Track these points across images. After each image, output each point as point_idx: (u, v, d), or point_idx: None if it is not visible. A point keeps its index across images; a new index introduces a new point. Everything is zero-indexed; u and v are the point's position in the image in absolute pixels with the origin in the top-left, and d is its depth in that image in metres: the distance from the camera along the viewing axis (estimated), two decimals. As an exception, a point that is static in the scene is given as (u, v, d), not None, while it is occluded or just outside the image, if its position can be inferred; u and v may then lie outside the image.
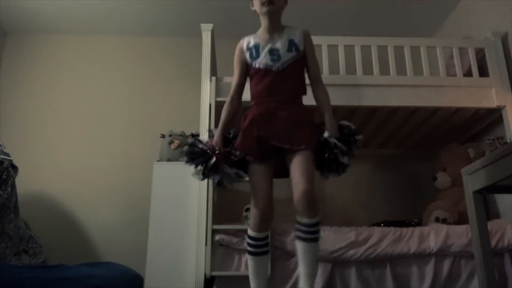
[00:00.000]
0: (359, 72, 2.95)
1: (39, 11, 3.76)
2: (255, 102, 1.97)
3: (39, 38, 4.02)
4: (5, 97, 3.82)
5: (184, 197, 2.76)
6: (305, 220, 1.77)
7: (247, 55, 2.01)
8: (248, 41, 2.04)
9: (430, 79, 2.98)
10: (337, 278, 2.56)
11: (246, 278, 2.52)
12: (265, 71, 1.94)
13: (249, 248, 1.88)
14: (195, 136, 3.15)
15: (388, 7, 3.74)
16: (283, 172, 1.91)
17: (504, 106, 2.91)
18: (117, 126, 3.83)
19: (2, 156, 2.67)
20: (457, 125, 3.28)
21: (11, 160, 2.75)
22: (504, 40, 3.09)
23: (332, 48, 2.98)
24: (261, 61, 1.96)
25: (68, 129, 3.80)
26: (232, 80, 2.08)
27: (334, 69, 2.95)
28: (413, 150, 3.80)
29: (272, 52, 1.95)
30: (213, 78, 2.92)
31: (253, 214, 1.85)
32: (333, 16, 3.83)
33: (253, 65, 1.98)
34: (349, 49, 3.00)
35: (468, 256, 2.56)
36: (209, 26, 3.03)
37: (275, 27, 2.01)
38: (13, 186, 2.77)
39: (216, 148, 1.91)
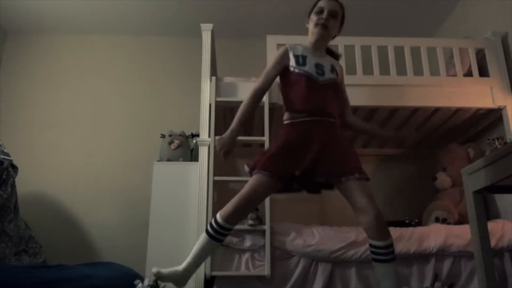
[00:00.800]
0: (359, 72, 2.96)
1: (39, 11, 3.76)
2: (293, 119, 1.97)
3: (39, 38, 4.03)
4: (5, 97, 3.82)
5: (184, 197, 2.76)
6: (381, 243, 1.80)
7: (293, 60, 2.03)
8: (296, 48, 2.07)
9: (430, 79, 2.98)
10: (337, 278, 2.57)
11: (246, 278, 2.53)
12: (309, 79, 1.98)
13: (209, 228, 1.89)
14: (195, 136, 3.17)
15: (388, 7, 3.74)
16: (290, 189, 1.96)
17: (504, 106, 2.91)
18: (117, 126, 3.83)
19: (2, 156, 2.67)
20: (457, 125, 3.28)
21: (11, 160, 2.75)
22: (504, 40, 3.09)
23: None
24: (307, 70, 2.00)
25: (68, 129, 3.80)
26: (262, 74, 2.04)
27: (334, 69, 2.94)
28: (413, 150, 3.80)
29: (317, 66, 2.02)
30: (213, 78, 2.92)
31: (233, 206, 1.85)
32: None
33: (296, 71, 2.00)
34: (349, 49, 2.99)
35: (468, 256, 2.56)
36: (209, 26, 3.03)
37: (320, 48, 2.11)
38: (13, 186, 2.76)
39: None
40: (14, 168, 2.79)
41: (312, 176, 1.88)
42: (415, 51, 3.04)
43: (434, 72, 3.04)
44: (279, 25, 3.58)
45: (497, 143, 2.56)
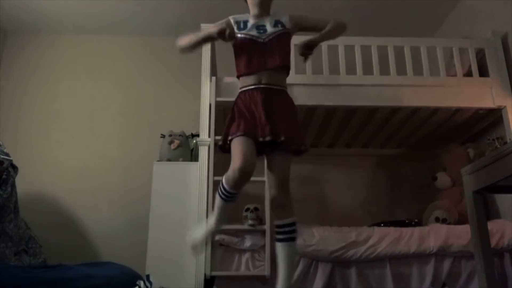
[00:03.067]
0: (359, 72, 2.96)
1: (39, 11, 3.76)
2: (243, 87, 2.02)
3: (39, 38, 4.03)
4: (5, 97, 3.82)
5: (184, 197, 2.76)
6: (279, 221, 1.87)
7: (235, 26, 2.10)
8: (237, 16, 2.15)
9: (430, 79, 2.98)
10: (337, 278, 2.57)
11: (246, 278, 2.53)
12: (251, 41, 2.04)
13: (220, 193, 1.90)
14: (195, 136, 3.17)
15: (389, 7, 3.74)
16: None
17: (504, 106, 2.91)
18: (117, 126, 3.83)
19: (2, 156, 2.66)
20: (457, 125, 3.28)
21: (11, 160, 2.75)
22: (504, 40, 3.09)
23: (332, 48, 2.98)
24: (247, 32, 2.06)
25: (68, 129, 3.80)
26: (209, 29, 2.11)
27: (334, 69, 2.95)
28: (413, 150, 3.80)
29: (258, 27, 2.07)
30: (213, 78, 2.92)
31: (233, 172, 1.82)
32: (334, 16, 3.81)
33: (239, 35, 2.07)
34: (349, 49, 2.99)
35: (468, 256, 2.56)
36: (209, 26, 3.02)
37: (265, 13, 2.13)
38: (13, 186, 2.76)
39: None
40: (14, 168, 2.79)
41: (276, 137, 1.88)
42: (415, 51, 3.03)
43: (434, 72, 3.04)
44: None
45: (497, 143, 2.56)
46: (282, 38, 2.07)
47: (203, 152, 2.78)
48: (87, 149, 3.75)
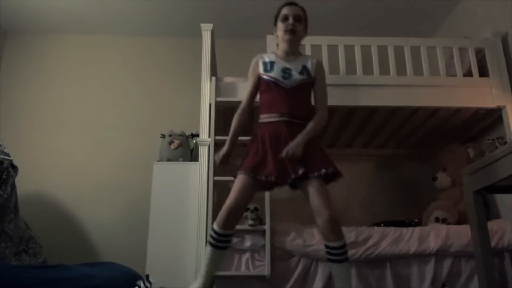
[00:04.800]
0: (359, 72, 2.96)
1: (39, 11, 3.76)
2: (266, 119, 2.06)
3: (39, 38, 4.03)
4: (5, 97, 3.82)
5: (184, 197, 2.76)
6: (334, 243, 1.86)
7: (261, 68, 2.14)
8: (264, 56, 2.18)
9: (430, 79, 2.98)
10: (337, 278, 2.56)
11: (246, 278, 2.53)
12: (275, 85, 2.07)
13: (209, 239, 1.93)
14: (195, 136, 3.17)
15: (389, 7, 3.74)
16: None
17: (504, 106, 2.91)
18: (117, 126, 3.83)
19: (2, 156, 2.66)
20: (457, 125, 3.28)
21: (11, 160, 2.75)
22: (504, 40, 3.09)
23: (332, 48, 2.98)
24: (273, 75, 2.09)
25: (68, 129, 3.80)
26: (245, 91, 2.20)
27: (334, 69, 2.95)
28: (413, 150, 3.80)
29: (284, 70, 2.09)
30: (213, 78, 2.92)
31: (225, 212, 1.89)
32: (333, 16, 3.84)
33: (265, 77, 2.11)
34: (349, 49, 2.99)
35: (468, 256, 2.56)
36: (209, 26, 3.03)
37: (292, 52, 2.17)
38: (13, 186, 2.76)
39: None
40: (14, 168, 2.79)
41: (287, 174, 1.91)
42: (415, 51, 3.03)
43: (434, 72, 3.04)
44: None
45: (497, 143, 2.57)
46: (305, 87, 2.11)
47: (203, 152, 2.78)
48: (87, 148, 3.75)
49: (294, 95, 2.06)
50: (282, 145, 1.95)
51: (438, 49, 3.03)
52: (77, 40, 4.06)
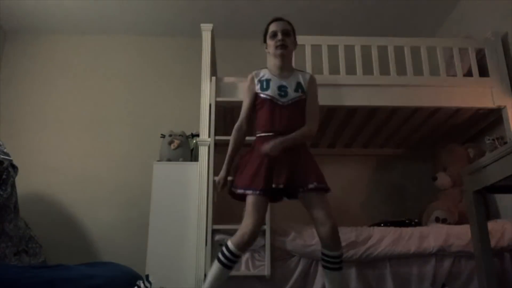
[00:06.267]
0: (359, 72, 2.96)
1: (39, 11, 3.76)
2: (263, 133, 2.08)
3: (39, 38, 4.03)
4: (5, 96, 3.82)
5: (184, 197, 2.76)
6: (333, 253, 1.94)
7: (258, 86, 2.17)
8: (260, 74, 2.20)
9: (430, 79, 2.98)
10: (337, 278, 2.56)
11: (246, 278, 2.53)
12: (271, 103, 2.10)
13: (221, 257, 1.93)
14: (195, 136, 3.17)
15: (389, 7, 3.74)
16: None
17: (504, 106, 2.91)
18: (117, 126, 3.83)
19: (2, 156, 2.66)
20: (457, 125, 3.28)
21: (11, 160, 2.75)
22: (504, 40, 3.09)
23: (332, 48, 2.98)
24: (270, 93, 2.12)
25: (68, 129, 3.80)
26: (242, 108, 2.21)
27: (334, 69, 2.95)
28: (413, 150, 3.80)
29: (280, 88, 2.13)
30: (213, 78, 2.92)
31: (247, 234, 1.90)
32: (333, 16, 3.84)
33: (261, 95, 2.14)
34: (349, 49, 2.99)
35: (468, 256, 2.56)
36: (209, 26, 3.03)
37: (286, 67, 2.20)
38: (13, 186, 2.76)
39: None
40: (14, 168, 2.79)
41: (291, 185, 1.98)
42: (415, 51, 3.03)
43: (434, 72, 3.04)
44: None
45: (497, 143, 2.57)
46: (300, 103, 2.13)
47: (203, 152, 2.78)
48: (87, 149, 3.75)
49: (290, 112, 2.09)
50: (279, 158, 1.98)
51: (438, 49, 3.03)
52: (77, 40, 4.06)
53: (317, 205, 1.94)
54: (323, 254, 1.97)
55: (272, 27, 2.20)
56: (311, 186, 1.95)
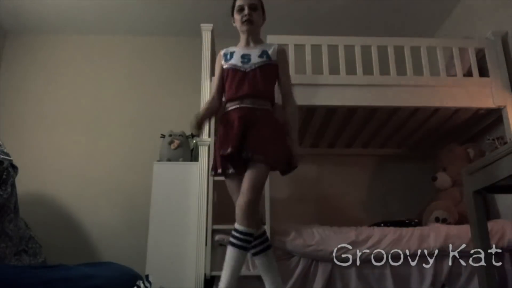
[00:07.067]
0: (359, 72, 2.96)
1: (39, 11, 3.76)
2: (230, 107, 2.11)
3: (39, 38, 4.03)
4: (5, 97, 3.82)
5: (184, 197, 2.76)
6: (239, 227, 1.90)
7: (223, 59, 2.22)
8: (227, 49, 2.25)
9: (430, 79, 2.98)
10: (337, 278, 2.57)
11: (246, 278, 2.53)
12: (234, 71, 2.13)
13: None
14: (195, 136, 3.17)
15: (389, 7, 3.74)
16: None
17: (504, 106, 2.91)
18: (117, 126, 3.83)
19: (2, 156, 2.66)
20: (457, 125, 3.28)
21: (11, 160, 2.75)
22: (504, 40, 3.09)
23: (332, 48, 2.98)
24: (232, 63, 2.15)
25: (68, 129, 3.79)
26: (213, 83, 2.27)
27: (334, 69, 2.95)
28: (413, 150, 3.80)
29: (243, 56, 2.16)
30: (213, 78, 2.91)
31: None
32: (333, 16, 3.84)
33: (225, 66, 2.18)
34: (349, 49, 2.99)
35: (468, 256, 2.55)
36: (209, 26, 3.03)
37: (254, 40, 2.22)
38: (13, 186, 2.76)
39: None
40: (14, 168, 2.79)
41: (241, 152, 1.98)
42: (415, 51, 3.03)
43: (434, 72, 3.04)
44: (279, 25, 3.58)
45: (497, 143, 2.57)
46: (265, 69, 2.12)
47: (203, 152, 2.79)
48: (87, 149, 3.75)
49: (253, 77, 2.09)
50: (237, 126, 2.00)
51: (438, 49, 3.03)
52: (77, 40, 4.06)
53: (247, 175, 1.93)
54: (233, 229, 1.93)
55: (239, 1, 2.19)
56: (244, 155, 1.95)
